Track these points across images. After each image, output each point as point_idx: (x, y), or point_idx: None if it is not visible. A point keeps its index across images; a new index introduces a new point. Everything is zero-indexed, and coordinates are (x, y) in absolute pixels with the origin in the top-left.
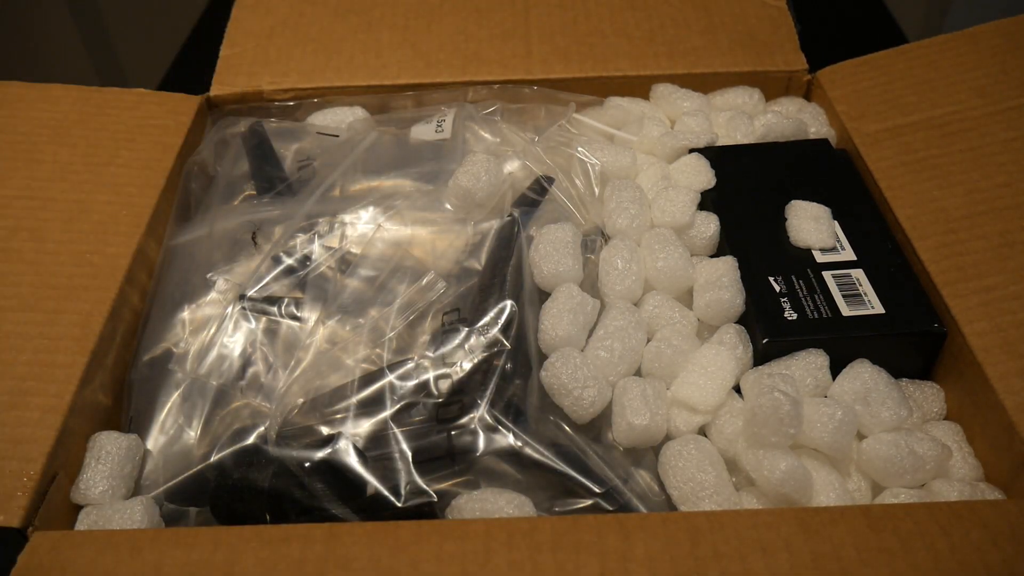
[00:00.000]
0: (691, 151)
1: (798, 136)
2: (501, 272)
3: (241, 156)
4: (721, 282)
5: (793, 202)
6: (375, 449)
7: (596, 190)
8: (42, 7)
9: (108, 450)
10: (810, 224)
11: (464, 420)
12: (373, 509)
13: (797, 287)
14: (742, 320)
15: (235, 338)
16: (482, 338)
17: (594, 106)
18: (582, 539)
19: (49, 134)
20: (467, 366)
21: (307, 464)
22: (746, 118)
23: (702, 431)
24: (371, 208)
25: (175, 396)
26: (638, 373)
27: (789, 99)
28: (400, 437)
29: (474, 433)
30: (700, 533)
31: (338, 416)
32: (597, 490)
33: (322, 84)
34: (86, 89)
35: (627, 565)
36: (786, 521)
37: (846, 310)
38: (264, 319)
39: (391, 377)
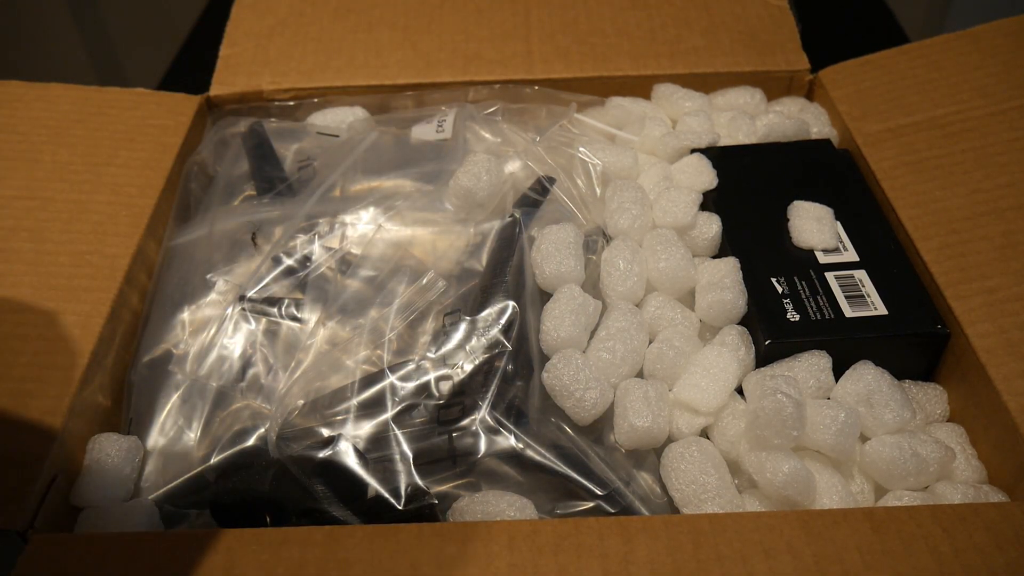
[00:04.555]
0: (693, 151)
1: (800, 136)
2: (502, 273)
3: (241, 156)
4: (723, 283)
5: (795, 203)
6: (376, 451)
7: (598, 190)
8: (42, 7)
9: (108, 452)
10: (812, 225)
11: (465, 422)
12: (374, 511)
13: (799, 288)
14: (744, 321)
15: (235, 339)
16: (483, 339)
17: (595, 106)
18: (584, 542)
19: (48, 134)
20: (468, 367)
21: (307, 466)
22: (748, 118)
23: (704, 433)
24: (371, 208)
25: (175, 398)
26: (640, 374)
27: (791, 99)
28: (401, 439)
29: (475, 435)
30: (702, 536)
31: (339, 418)
32: (599, 492)
33: (322, 84)
34: (85, 89)
35: (629, 568)
36: (789, 523)
37: (849, 311)
38: (264, 320)
39: (392, 378)
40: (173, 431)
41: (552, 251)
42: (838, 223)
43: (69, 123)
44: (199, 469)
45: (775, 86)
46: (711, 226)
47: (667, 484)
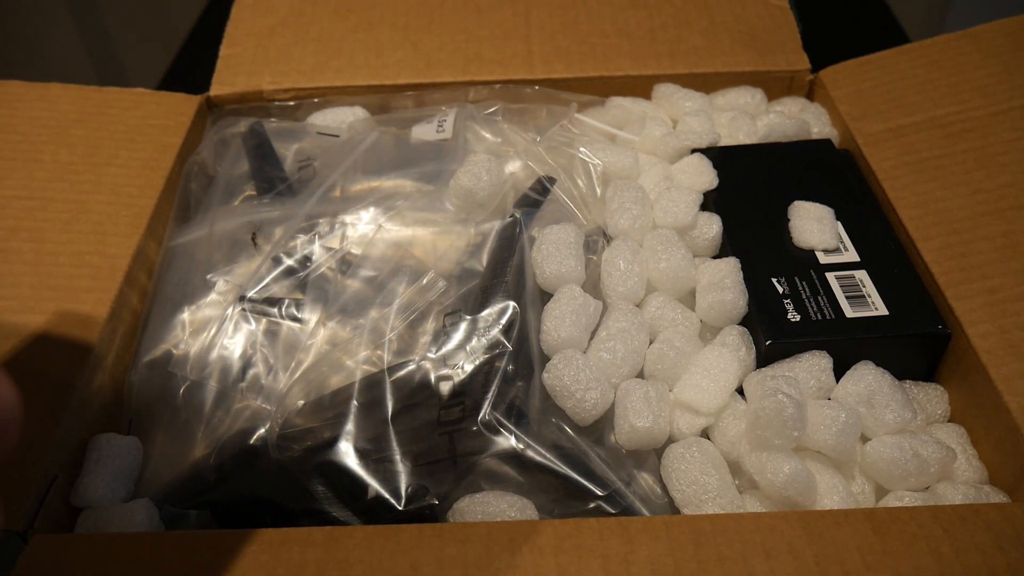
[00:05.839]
0: (693, 151)
1: (800, 136)
2: (503, 273)
3: (241, 156)
4: (724, 283)
5: (796, 203)
6: (376, 451)
7: (598, 190)
8: (42, 7)
9: (108, 452)
10: (813, 225)
11: (465, 422)
12: (374, 512)
13: (800, 288)
14: (745, 321)
15: (235, 339)
16: (483, 339)
17: (596, 106)
18: (584, 542)
19: (48, 134)
20: (468, 368)
21: (307, 466)
22: (748, 118)
23: (705, 433)
24: (372, 208)
25: (175, 398)
26: (641, 375)
27: (791, 99)
28: (401, 439)
29: (475, 435)
30: (703, 536)
31: (339, 418)
32: (599, 493)
33: (322, 84)
34: (85, 89)
35: (630, 569)
36: (790, 524)
37: (849, 312)
38: (264, 320)
39: (392, 379)
40: (173, 431)
41: (552, 251)
42: (839, 223)
43: (69, 123)
44: (199, 469)
45: (776, 86)
46: (712, 226)
47: (668, 485)
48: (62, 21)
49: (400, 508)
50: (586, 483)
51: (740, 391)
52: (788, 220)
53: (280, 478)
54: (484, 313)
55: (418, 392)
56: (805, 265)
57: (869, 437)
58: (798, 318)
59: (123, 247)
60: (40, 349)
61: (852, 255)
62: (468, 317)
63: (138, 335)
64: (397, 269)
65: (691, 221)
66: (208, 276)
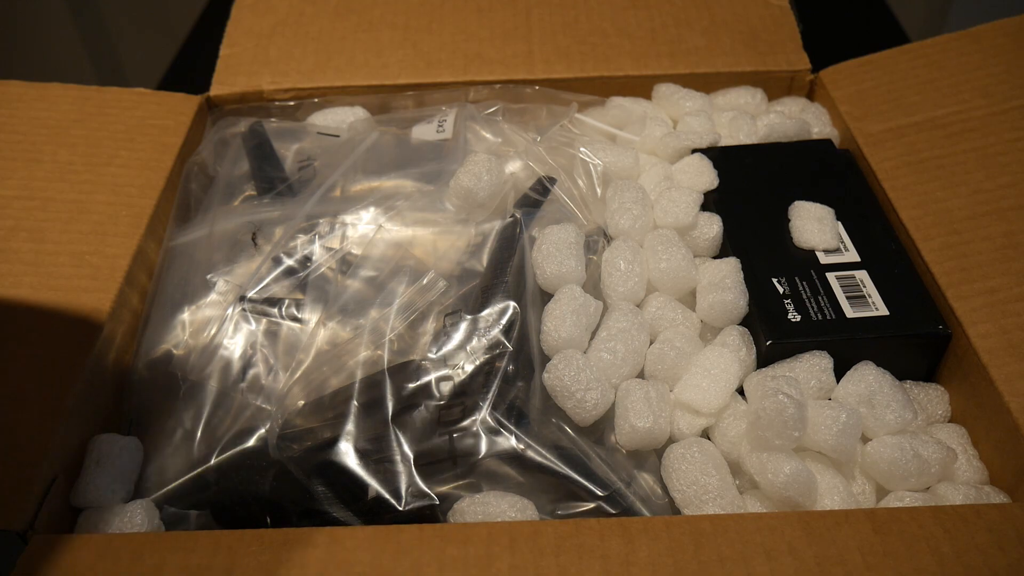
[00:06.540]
0: (694, 151)
1: (801, 136)
2: (503, 273)
3: (241, 156)
4: (724, 283)
5: (796, 203)
6: (376, 451)
7: (598, 190)
8: (42, 7)
9: (108, 453)
10: (813, 225)
11: (466, 423)
12: (374, 512)
13: (800, 288)
14: (745, 322)
15: (235, 340)
16: (484, 339)
17: (596, 106)
18: (585, 543)
19: (48, 134)
20: (469, 368)
21: (308, 467)
22: (749, 118)
23: (705, 434)
24: (372, 208)
25: (175, 398)
26: (641, 375)
27: (792, 99)
28: (401, 439)
29: (476, 436)
30: (704, 537)
31: (339, 418)
32: (600, 493)
33: (322, 84)
34: (86, 88)
35: (630, 569)
36: (790, 525)
37: (850, 312)
38: (264, 320)
39: (392, 379)
40: (173, 432)
41: (553, 251)
42: (839, 223)
43: (69, 123)
44: (199, 470)
45: (776, 86)
46: (712, 226)
47: (668, 485)
48: (62, 21)
49: (400, 508)
50: (586, 483)
51: (740, 391)
52: (788, 220)
53: (280, 478)
54: (484, 313)
55: (418, 392)
56: (805, 265)
57: (870, 437)
58: (798, 318)
59: (123, 247)
60: (40, 349)
61: (853, 255)
62: (468, 317)
63: (138, 335)
64: (397, 269)
65: (691, 221)
66: (208, 276)
